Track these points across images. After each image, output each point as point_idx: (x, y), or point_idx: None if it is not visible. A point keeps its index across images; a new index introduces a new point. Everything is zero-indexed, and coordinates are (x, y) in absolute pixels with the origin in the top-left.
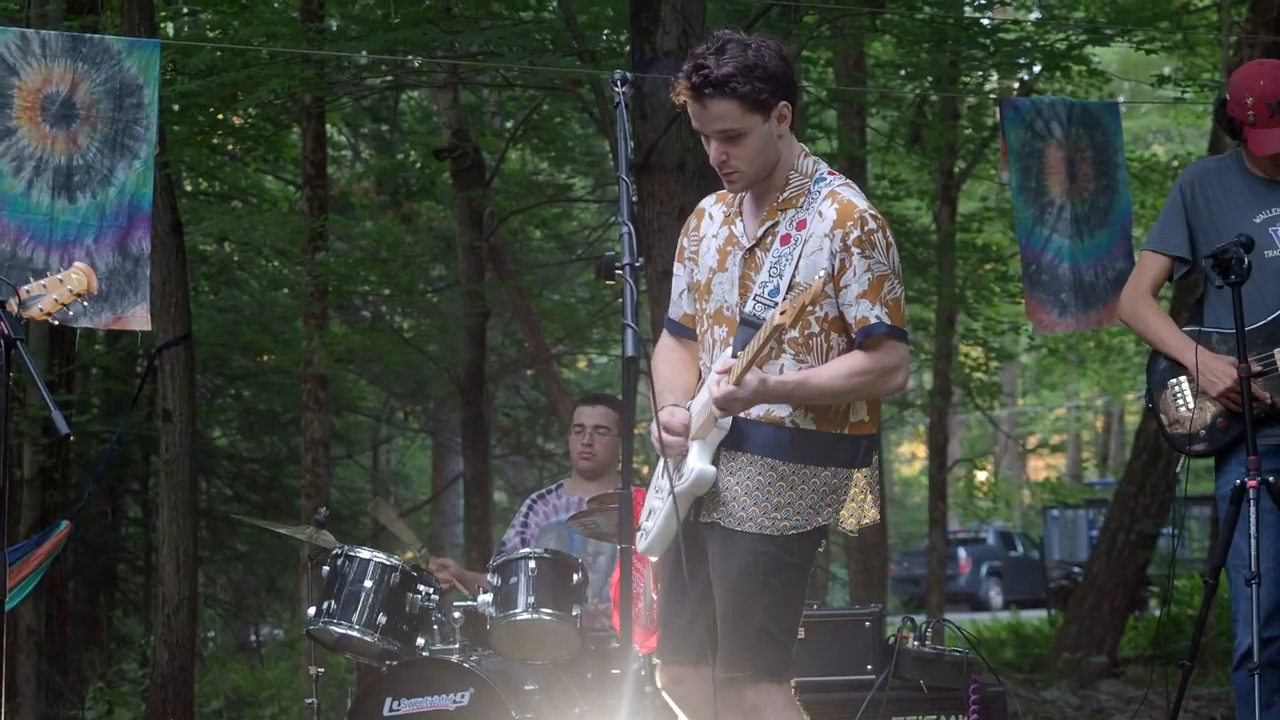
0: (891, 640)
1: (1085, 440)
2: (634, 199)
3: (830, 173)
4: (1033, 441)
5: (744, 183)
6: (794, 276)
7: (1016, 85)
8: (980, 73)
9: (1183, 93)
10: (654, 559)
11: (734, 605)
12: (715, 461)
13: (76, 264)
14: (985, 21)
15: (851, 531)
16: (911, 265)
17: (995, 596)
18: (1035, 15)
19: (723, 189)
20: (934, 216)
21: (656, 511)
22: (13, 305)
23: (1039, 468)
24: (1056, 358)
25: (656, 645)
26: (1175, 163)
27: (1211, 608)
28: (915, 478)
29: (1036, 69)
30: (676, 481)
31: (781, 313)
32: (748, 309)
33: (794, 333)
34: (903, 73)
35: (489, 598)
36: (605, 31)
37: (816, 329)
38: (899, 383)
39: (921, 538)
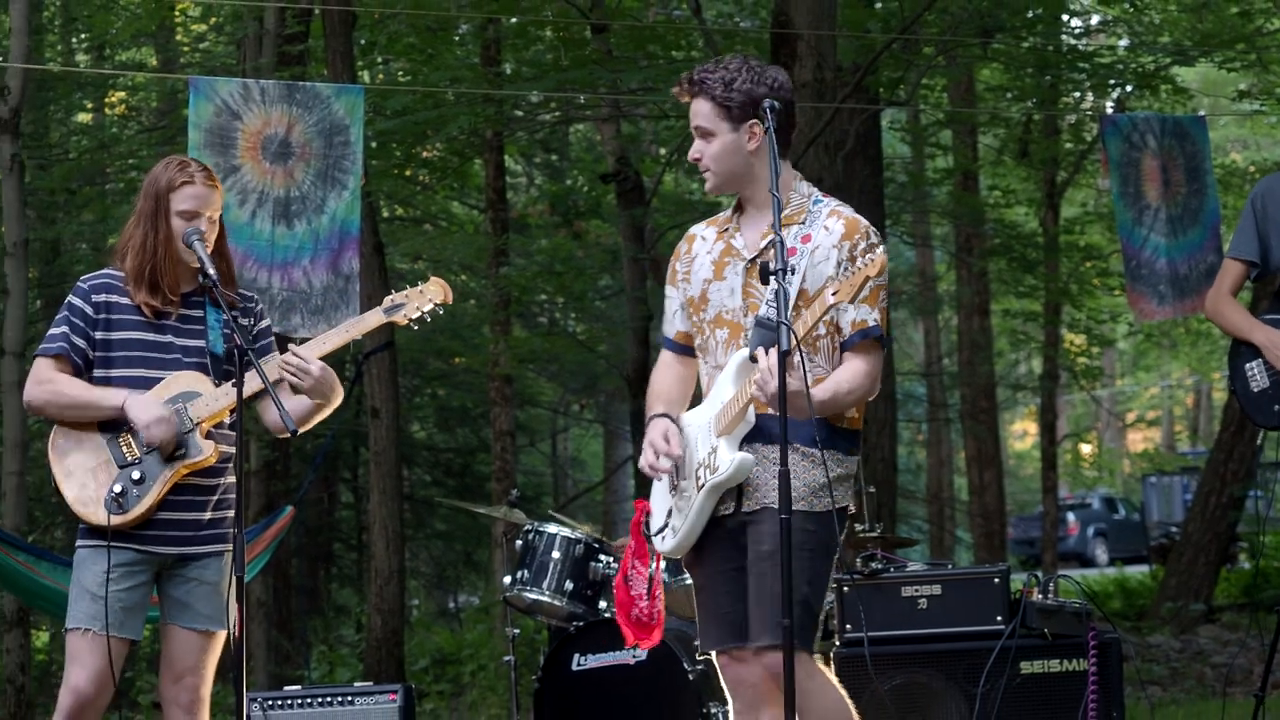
0: (1018, 594)
1: (1178, 415)
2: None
3: (824, 195)
4: (1131, 417)
5: (713, 182)
6: (802, 283)
7: (1111, 103)
8: (1078, 93)
9: (1260, 106)
10: (677, 557)
11: (780, 577)
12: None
13: (434, 278)
14: (1082, 47)
15: (852, 511)
16: (1022, 264)
17: (1101, 555)
18: (1126, 41)
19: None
20: (1040, 221)
21: (682, 510)
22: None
23: (1137, 440)
24: (1151, 342)
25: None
26: (1253, 168)
27: None
28: (1028, 451)
29: (1128, 88)
30: (711, 475)
31: (834, 293)
32: (762, 312)
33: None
34: (1010, 95)
35: (663, 564)
36: None
37: (823, 331)
38: (879, 388)
39: (1035, 504)
